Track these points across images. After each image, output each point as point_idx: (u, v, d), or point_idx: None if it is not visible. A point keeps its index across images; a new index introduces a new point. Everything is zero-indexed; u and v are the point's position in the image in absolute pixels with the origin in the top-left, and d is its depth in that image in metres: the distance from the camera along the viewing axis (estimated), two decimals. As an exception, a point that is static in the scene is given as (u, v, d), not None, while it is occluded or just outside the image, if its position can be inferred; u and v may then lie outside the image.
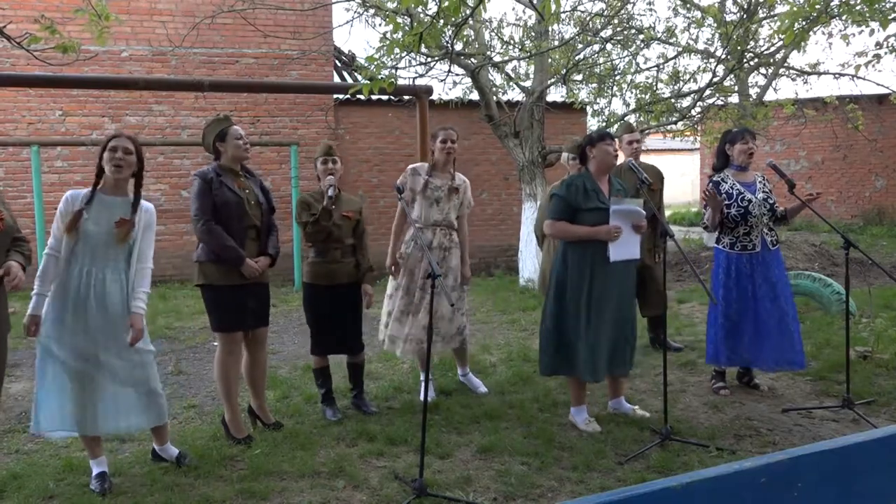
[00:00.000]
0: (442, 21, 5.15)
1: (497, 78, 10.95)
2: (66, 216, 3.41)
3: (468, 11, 5.56)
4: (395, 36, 4.88)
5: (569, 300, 4.12)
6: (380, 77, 4.66)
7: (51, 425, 3.45)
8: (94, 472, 3.51)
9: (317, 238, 4.37)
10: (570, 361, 4.16)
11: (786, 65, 11.53)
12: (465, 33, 9.71)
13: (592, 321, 4.09)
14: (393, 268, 4.82)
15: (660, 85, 10.81)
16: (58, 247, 3.42)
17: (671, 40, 10.69)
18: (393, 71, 7.04)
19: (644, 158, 5.92)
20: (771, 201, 4.70)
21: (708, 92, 9.96)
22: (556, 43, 9.93)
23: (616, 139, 5.17)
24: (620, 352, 4.23)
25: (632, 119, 10.94)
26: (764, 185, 4.77)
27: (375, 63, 5.07)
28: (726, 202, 4.70)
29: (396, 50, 5.29)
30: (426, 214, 4.75)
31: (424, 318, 4.51)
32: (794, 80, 11.91)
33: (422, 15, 7.29)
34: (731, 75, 9.48)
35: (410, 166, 4.89)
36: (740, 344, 4.69)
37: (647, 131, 11.03)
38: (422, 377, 4.86)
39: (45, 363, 3.42)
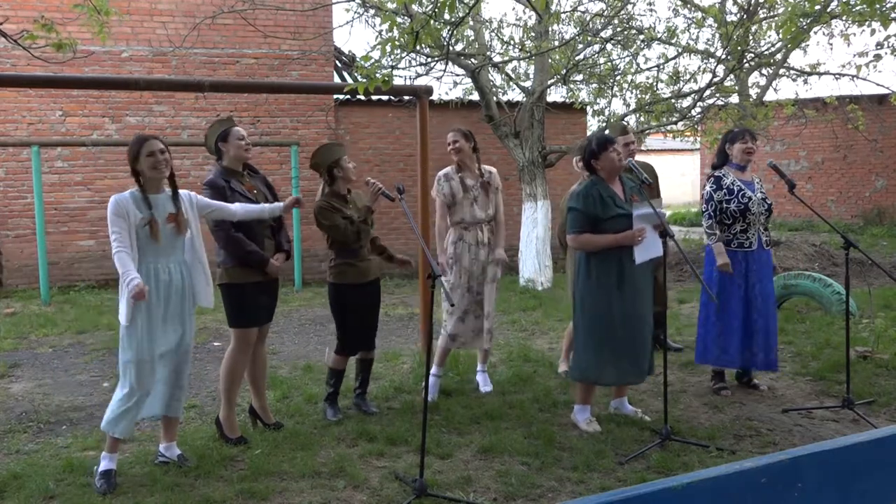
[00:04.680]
0: (439, 20, 5.13)
1: (497, 78, 10.96)
2: (124, 218, 3.47)
3: (466, 11, 5.55)
4: (390, 34, 4.85)
5: (599, 309, 4.08)
6: (377, 76, 4.64)
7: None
8: (104, 466, 3.52)
9: (360, 240, 4.37)
10: (603, 370, 4.12)
11: (786, 65, 11.53)
12: (465, 33, 9.71)
13: (630, 325, 4.07)
14: (442, 268, 4.87)
15: (660, 85, 10.82)
16: (126, 244, 3.47)
17: (672, 40, 10.69)
18: (390, 70, 7.05)
19: (644, 158, 5.91)
20: (769, 202, 4.72)
21: (708, 92, 9.96)
22: (557, 43, 9.93)
23: None
24: (651, 350, 4.25)
25: (632, 119, 10.94)
26: (761, 185, 4.80)
27: (371, 62, 5.05)
28: (727, 197, 4.71)
29: (392, 49, 5.27)
30: (471, 213, 4.82)
31: (480, 313, 4.86)
32: (794, 80, 11.92)
33: (421, 15, 7.29)
34: (732, 75, 9.48)
35: (440, 173, 4.93)
36: (731, 343, 4.70)
37: (647, 131, 11.03)
38: (434, 370, 4.85)
39: (122, 363, 3.57)
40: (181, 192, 3.70)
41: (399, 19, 6.60)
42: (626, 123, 5.61)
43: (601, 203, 4.06)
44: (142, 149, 3.55)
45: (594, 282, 4.10)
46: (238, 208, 3.87)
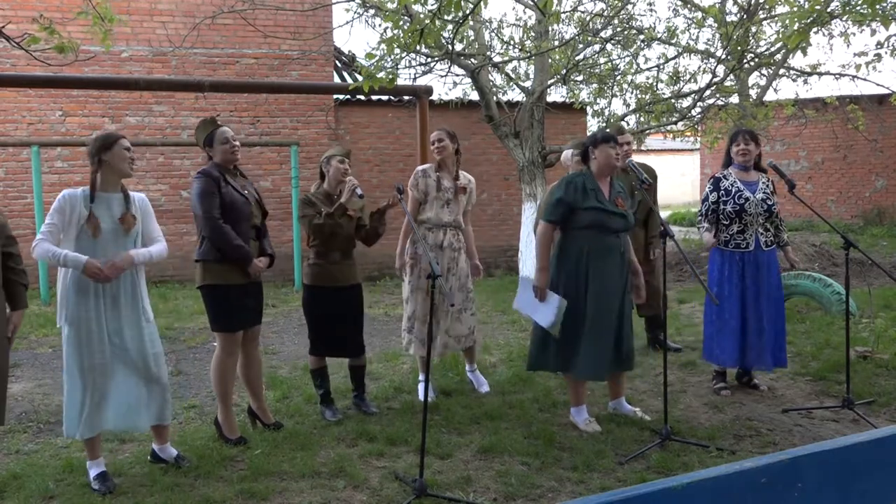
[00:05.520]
0: (442, 19, 5.13)
1: (497, 78, 10.95)
2: (63, 214, 3.44)
3: (468, 10, 5.56)
4: (394, 33, 4.86)
5: (570, 302, 4.09)
6: (379, 75, 4.66)
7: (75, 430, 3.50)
8: (94, 472, 3.51)
9: (323, 234, 4.33)
10: (566, 359, 4.15)
11: (786, 65, 11.53)
12: (465, 33, 9.70)
13: (592, 317, 4.08)
14: (402, 269, 4.84)
15: (660, 85, 10.81)
16: (50, 238, 3.41)
17: (672, 41, 10.68)
18: (393, 68, 7.07)
19: (644, 158, 5.92)
20: (770, 202, 4.72)
21: (708, 92, 9.96)
22: (557, 43, 9.93)
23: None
24: (626, 347, 4.24)
25: (632, 119, 10.93)
26: (767, 186, 4.80)
27: (375, 60, 5.06)
28: (723, 198, 4.75)
29: (396, 49, 5.28)
30: (438, 215, 4.79)
31: (446, 321, 4.74)
32: (794, 80, 11.92)
33: (421, 15, 7.30)
34: (732, 75, 9.47)
35: (419, 168, 4.91)
36: (728, 343, 4.73)
37: (647, 131, 11.02)
38: (421, 377, 4.86)
39: (69, 368, 3.49)
40: (135, 194, 3.66)
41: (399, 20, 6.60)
42: (623, 125, 5.61)
43: (582, 192, 4.10)
44: (113, 144, 3.51)
45: (563, 276, 4.15)
46: (155, 249, 3.65)
